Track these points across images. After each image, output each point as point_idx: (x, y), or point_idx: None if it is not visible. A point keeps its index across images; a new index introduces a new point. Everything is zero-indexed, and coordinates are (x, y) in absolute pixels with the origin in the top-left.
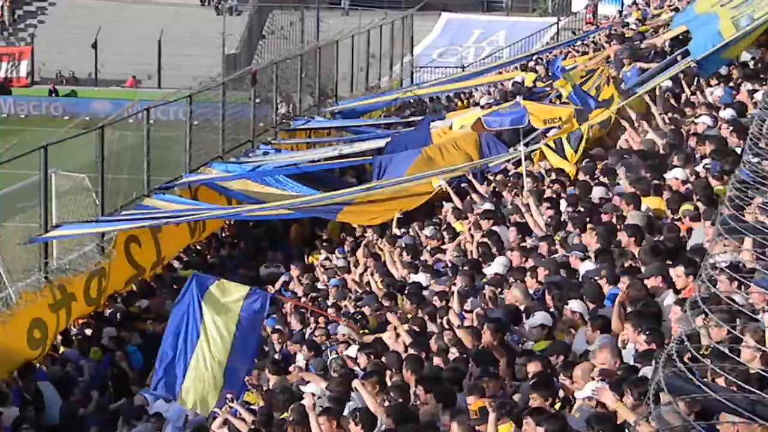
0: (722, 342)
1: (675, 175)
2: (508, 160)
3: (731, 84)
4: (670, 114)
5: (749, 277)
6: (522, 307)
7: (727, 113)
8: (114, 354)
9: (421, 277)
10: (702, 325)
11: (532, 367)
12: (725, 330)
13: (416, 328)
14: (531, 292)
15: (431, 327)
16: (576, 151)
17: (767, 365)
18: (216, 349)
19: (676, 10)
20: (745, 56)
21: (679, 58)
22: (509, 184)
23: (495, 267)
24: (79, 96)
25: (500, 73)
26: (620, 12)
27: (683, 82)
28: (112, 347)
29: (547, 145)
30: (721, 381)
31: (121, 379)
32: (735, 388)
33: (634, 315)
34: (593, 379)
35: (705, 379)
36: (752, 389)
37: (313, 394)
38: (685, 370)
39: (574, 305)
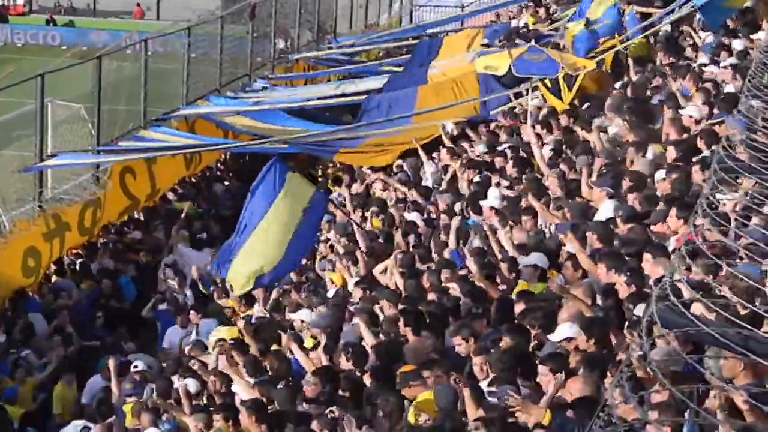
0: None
1: (689, 113)
2: (513, 101)
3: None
4: (670, 58)
5: (743, 223)
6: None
7: (729, 61)
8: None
9: (414, 216)
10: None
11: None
12: (709, 276)
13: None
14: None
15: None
16: (570, 90)
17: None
18: (279, 230)
19: None
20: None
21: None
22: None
23: (490, 200)
24: (77, 26)
25: (497, 15)
26: None
27: (685, 27)
28: (104, 278)
29: (544, 84)
30: (712, 318)
31: (112, 309)
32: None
33: (608, 255)
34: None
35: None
36: (745, 325)
37: (303, 321)
38: (678, 304)
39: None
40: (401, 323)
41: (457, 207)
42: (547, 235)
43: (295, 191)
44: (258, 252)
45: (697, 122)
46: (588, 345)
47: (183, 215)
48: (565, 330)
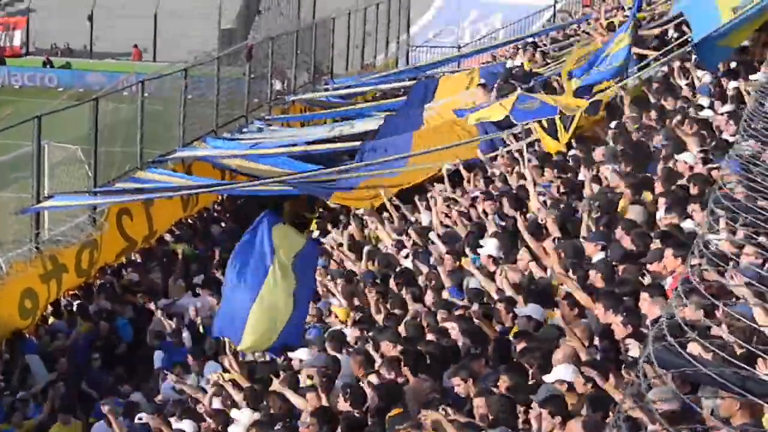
0: (704, 325)
1: (685, 159)
2: (508, 144)
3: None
4: (666, 100)
5: (736, 263)
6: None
7: (725, 101)
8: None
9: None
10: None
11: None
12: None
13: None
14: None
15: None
16: (567, 130)
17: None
18: (282, 287)
19: None
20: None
21: (676, 45)
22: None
23: (488, 248)
24: (74, 68)
25: (493, 56)
26: None
27: (680, 69)
28: (101, 320)
29: (541, 125)
30: (709, 358)
31: (110, 351)
32: (724, 363)
33: (605, 295)
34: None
35: (695, 354)
36: (742, 365)
37: (301, 360)
38: (675, 344)
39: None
40: (402, 364)
41: (455, 246)
42: (540, 275)
43: (284, 244)
44: (266, 316)
45: (692, 168)
46: (585, 388)
47: (180, 259)
48: (560, 372)
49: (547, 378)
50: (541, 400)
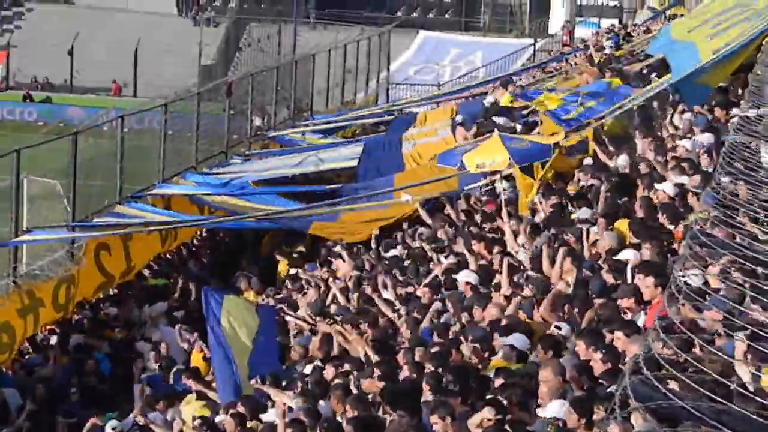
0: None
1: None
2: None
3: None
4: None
5: (713, 298)
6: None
7: (705, 137)
8: (80, 361)
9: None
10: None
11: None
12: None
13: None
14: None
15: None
16: (543, 167)
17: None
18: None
19: (648, 31)
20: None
21: (655, 82)
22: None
23: (464, 276)
24: (54, 102)
25: (474, 95)
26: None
27: (661, 105)
28: (80, 355)
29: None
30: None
31: (88, 387)
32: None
33: (587, 333)
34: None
35: (672, 388)
36: (718, 399)
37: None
38: (652, 377)
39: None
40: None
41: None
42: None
43: (237, 315)
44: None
45: (672, 198)
46: (579, 424)
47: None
48: (555, 407)
49: (542, 412)
50: None
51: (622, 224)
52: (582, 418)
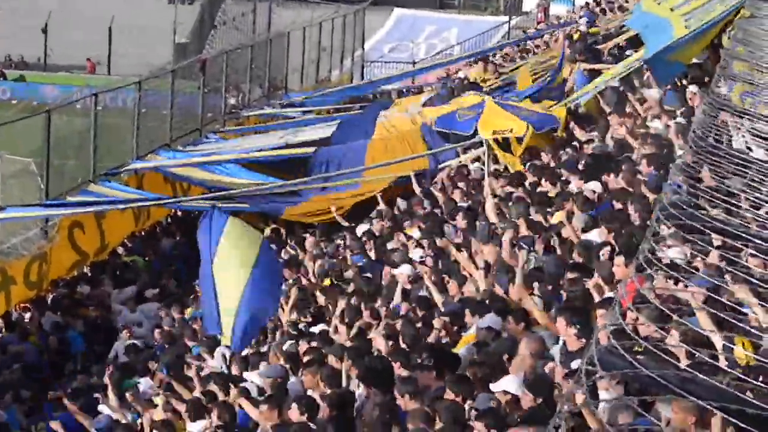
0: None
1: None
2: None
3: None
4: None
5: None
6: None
7: (676, 116)
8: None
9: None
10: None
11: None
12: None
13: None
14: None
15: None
16: (520, 144)
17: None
18: (232, 283)
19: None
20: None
21: (630, 59)
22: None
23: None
24: (28, 80)
25: (447, 72)
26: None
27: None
28: (53, 333)
29: (495, 140)
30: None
31: (58, 364)
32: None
33: (567, 309)
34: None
35: (639, 357)
36: (684, 368)
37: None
38: (618, 346)
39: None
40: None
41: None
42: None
43: (241, 237)
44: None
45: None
46: (533, 403)
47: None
48: (506, 382)
49: (493, 387)
50: (477, 414)
51: None
52: (538, 397)
